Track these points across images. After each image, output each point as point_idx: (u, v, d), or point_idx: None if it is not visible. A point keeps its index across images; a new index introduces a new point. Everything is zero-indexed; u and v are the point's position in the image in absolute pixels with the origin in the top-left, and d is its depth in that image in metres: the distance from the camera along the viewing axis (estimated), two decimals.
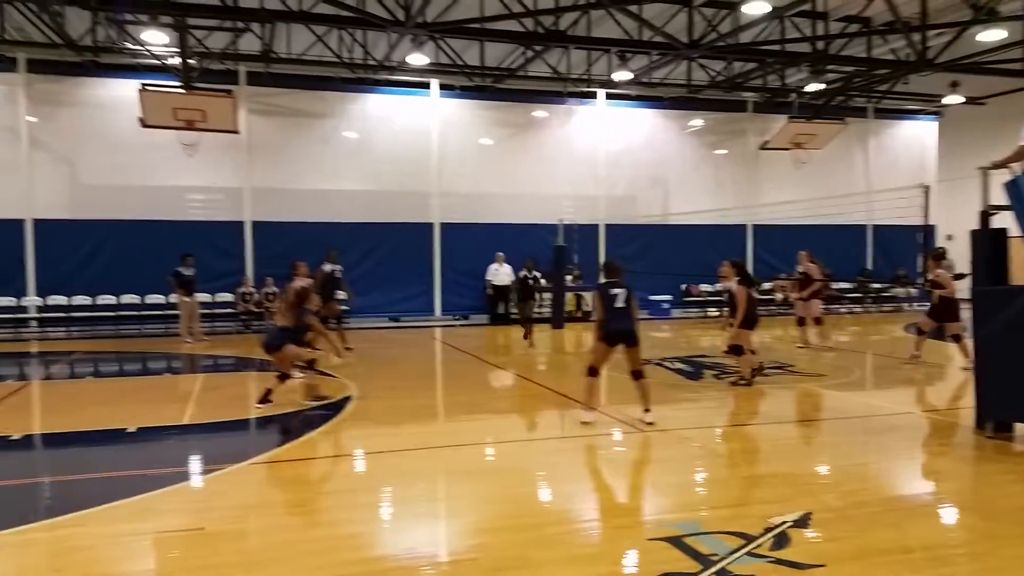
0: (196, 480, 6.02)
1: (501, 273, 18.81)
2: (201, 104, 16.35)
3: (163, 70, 16.87)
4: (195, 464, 6.54)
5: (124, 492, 5.41)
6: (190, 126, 16.61)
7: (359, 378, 10.53)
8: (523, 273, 14.79)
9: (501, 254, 18.91)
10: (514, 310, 14.69)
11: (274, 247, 18.34)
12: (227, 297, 17.93)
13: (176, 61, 16.42)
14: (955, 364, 11.27)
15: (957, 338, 10.99)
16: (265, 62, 17.41)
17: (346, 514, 5.11)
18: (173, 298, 15.77)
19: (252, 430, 8.04)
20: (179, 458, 6.66)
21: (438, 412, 9.07)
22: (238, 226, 18.55)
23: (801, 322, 13.76)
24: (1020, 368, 6.51)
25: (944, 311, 11.13)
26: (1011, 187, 6.83)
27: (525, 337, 14.33)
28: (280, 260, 18.15)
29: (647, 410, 7.66)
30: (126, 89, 16.82)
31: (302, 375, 8.75)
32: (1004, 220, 7.09)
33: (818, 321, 13.67)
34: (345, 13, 14.27)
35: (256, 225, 18.60)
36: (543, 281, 15.99)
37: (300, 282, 10.47)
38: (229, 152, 18.27)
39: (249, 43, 16.75)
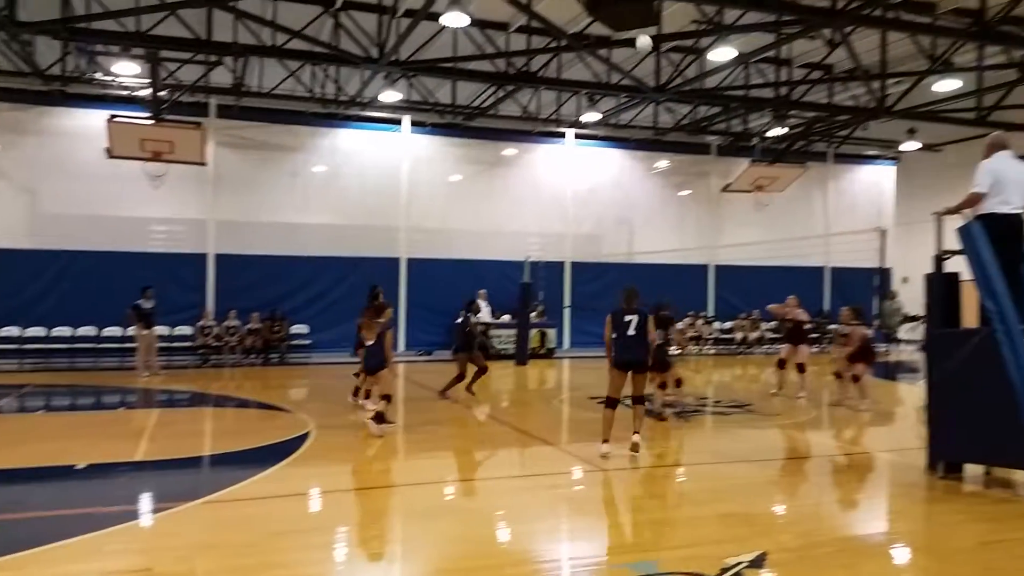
0: (146, 519, 5.86)
1: (481, 311, 18.83)
2: (169, 136, 16.22)
3: (132, 101, 16.78)
4: (145, 502, 6.37)
5: (69, 531, 5.26)
6: (157, 157, 16.44)
7: (318, 414, 10.38)
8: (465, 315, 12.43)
9: (483, 291, 18.91)
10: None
11: (237, 280, 18.18)
12: (186, 330, 17.64)
13: (146, 93, 16.33)
14: (906, 406, 11.44)
15: (857, 379, 11.18)
16: (236, 95, 17.39)
17: (300, 555, 5.00)
18: (131, 331, 15.47)
19: (206, 467, 7.88)
20: (129, 496, 6.48)
21: (398, 449, 8.96)
22: (201, 258, 18.35)
23: (781, 364, 12.84)
24: (971, 410, 6.64)
25: (862, 354, 11.28)
26: (963, 232, 7.02)
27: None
28: (243, 293, 18.06)
29: (636, 432, 7.92)
30: (93, 119, 16.65)
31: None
32: (957, 264, 7.27)
33: (801, 368, 12.49)
34: (319, 49, 14.34)
35: (219, 258, 18.42)
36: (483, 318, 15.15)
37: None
38: (195, 184, 18.14)
39: (221, 76, 16.75)
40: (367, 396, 10.75)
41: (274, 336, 17.81)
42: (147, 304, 14.99)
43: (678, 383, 10.80)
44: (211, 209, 18.40)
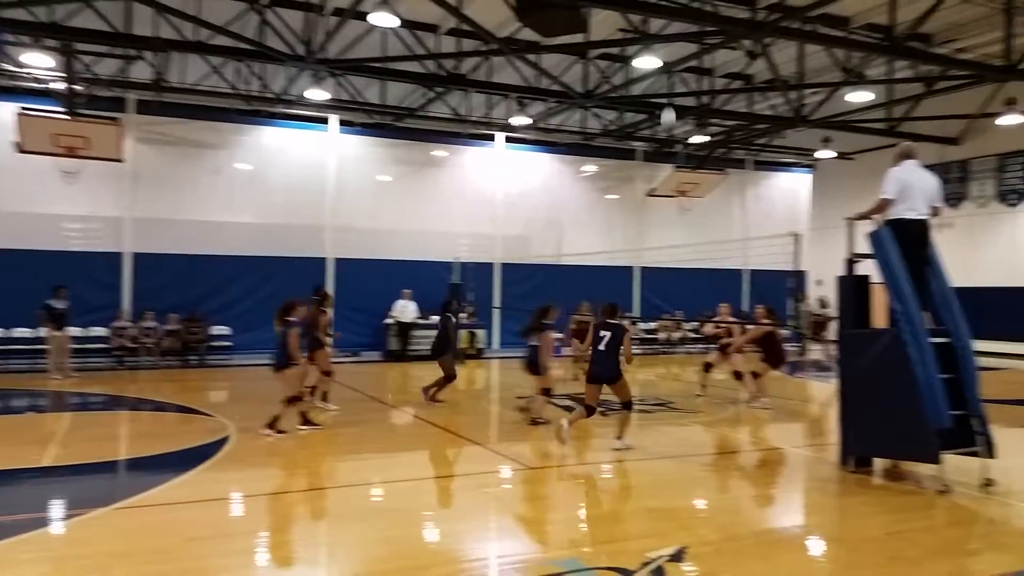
0: (56, 527, 5.64)
1: (408, 310, 18.66)
2: (85, 131, 15.61)
3: (45, 94, 16.06)
4: (56, 509, 6.13)
5: None
6: (71, 153, 15.81)
7: (238, 417, 10.14)
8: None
9: (408, 291, 18.78)
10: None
11: (155, 280, 17.60)
12: (101, 331, 16.98)
13: (60, 86, 15.66)
14: (817, 403, 11.88)
15: (757, 375, 11.51)
16: (156, 91, 16.82)
17: (220, 561, 4.89)
18: (42, 332, 14.81)
19: (121, 472, 7.62)
20: (38, 503, 6.22)
21: (323, 452, 8.84)
22: (117, 257, 17.69)
23: (707, 367, 12.84)
24: (879, 407, 6.95)
25: (770, 352, 11.47)
26: (873, 237, 7.35)
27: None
28: (161, 293, 17.48)
29: (619, 437, 8.36)
30: (2, 111, 15.91)
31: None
32: (868, 267, 7.60)
33: (737, 375, 12.28)
34: (244, 46, 14.02)
35: (137, 256, 17.79)
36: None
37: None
38: (111, 181, 17.48)
39: (140, 71, 16.19)
40: (323, 397, 10.91)
41: (193, 337, 17.30)
42: (59, 304, 14.38)
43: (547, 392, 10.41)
44: (128, 207, 17.76)
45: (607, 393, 8.45)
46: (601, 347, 8.30)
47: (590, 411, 8.43)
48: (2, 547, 4.96)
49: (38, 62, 14.91)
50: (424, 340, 18.73)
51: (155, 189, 18.01)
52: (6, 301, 15.90)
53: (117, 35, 13.55)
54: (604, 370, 8.32)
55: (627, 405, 8.41)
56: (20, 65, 15.36)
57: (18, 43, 14.81)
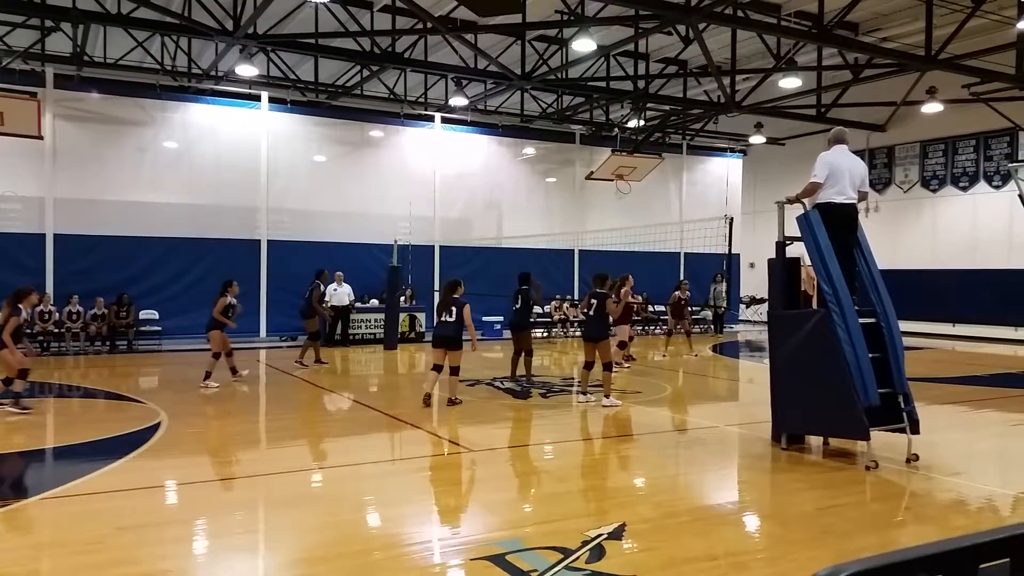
0: None
1: (340, 293, 18.36)
2: None
3: None
4: None
5: None
6: None
7: (169, 403, 9.87)
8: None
9: (340, 274, 18.47)
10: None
11: (80, 262, 16.95)
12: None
13: None
14: (755, 383, 12.19)
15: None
16: (76, 65, 16.11)
17: (153, 550, 4.76)
18: None
19: (47, 461, 7.34)
20: None
21: (259, 438, 8.69)
22: (39, 238, 16.96)
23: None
24: (809, 385, 7.16)
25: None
26: (802, 220, 7.53)
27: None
28: (86, 276, 16.84)
29: (607, 396, 9.81)
30: None
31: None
32: (797, 250, 7.80)
33: (622, 345, 13.77)
34: (169, 19, 13.54)
35: (59, 238, 17.07)
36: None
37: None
38: (31, 159, 16.72)
39: (59, 44, 15.46)
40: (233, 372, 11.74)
41: (120, 322, 16.75)
42: None
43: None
44: (49, 186, 17.02)
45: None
46: (591, 312, 9.92)
47: (589, 366, 10.03)
48: None
49: None
50: (364, 323, 18.59)
51: (78, 168, 17.30)
52: None
53: (31, 5, 12.92)
54: (594, 331, 9.92)
55: (607, 366, 9.85)
56: None
57: None
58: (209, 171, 18.55)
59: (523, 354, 12.18)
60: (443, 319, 9.84)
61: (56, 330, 16.15)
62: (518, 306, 12.36)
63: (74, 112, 17.38)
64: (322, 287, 14.79)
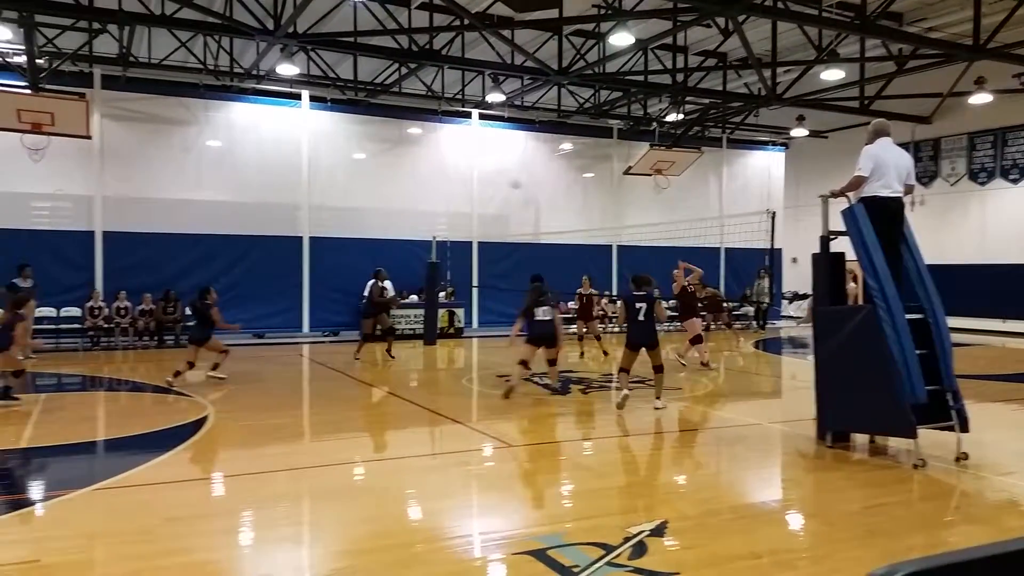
0: (33, 508, 5.56)
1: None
2: (50, 106, 15.26)
3: (6, 68, 15.64)
4: (33, 491, 6.06)
5: None
6: (36, 129, 15.45)
7: (217, 398, 10.08)
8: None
9: (383, 270, 18.63)
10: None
11: (128, 259, 17.33)
12: (75, 311, 16.73)
13: (22, 60, 15.26)
14: (799, 380, 12.04)
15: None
16: (123, 66, 16.47)
17: (200, 541, 4.86)
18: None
19: (99, 453, 7.53)
20: (14, 485, 6.15)
21: (303, 432, 8.81)
22: (88, 236, 17.39)
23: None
24: (855, 382, 7.05)
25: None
26: (847, 214, 7.40)
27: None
28: (134, 273, 17.22)
29: (658, 397, 9.21)
30: None
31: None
32: (842, 245, 7.67)
33: (696, 340, 13.31)
34: (211, 19, 13.74)
35: (107, 236, 17.48)
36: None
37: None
38: (80, 158, 17.14)
39: (106, 45, 15.81)
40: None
41: (168, 317, 17.11)
42: (24, 283, 14.13)
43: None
44: (98, 184, 17.43)
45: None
46: (641, 316, 9.05)
47: (624, 371, 9.29)
48: None
49: None
50: (404, 319, 18.72)
51: (125, 167, 17.69)
52: None
53: (79, 7, 13.20)
54: (646, 337, 9.11)
55: (659, 369, 9.23)
56: None
57: None
58: (251, 169, 18.83)
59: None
60: (539, 318, 9.73)
61: (105, 325, 16.55)
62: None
63: (121, 112, 17.77)
64: (379, 284, 14.75)
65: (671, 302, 14.82)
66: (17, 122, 15.18)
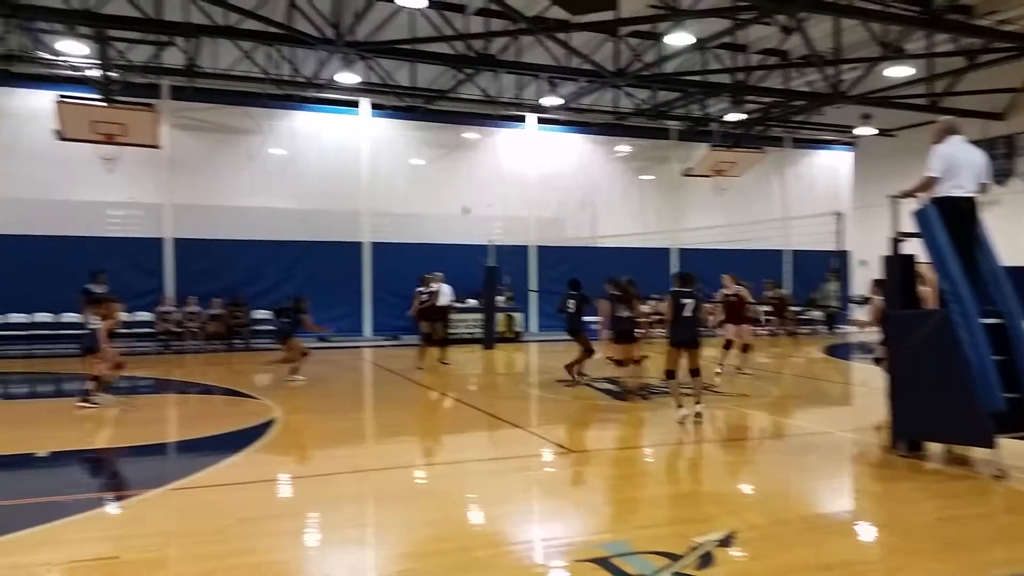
0: (111, 507, 5.76)
1: (440, 294, 18.64)
2: (121, 118, 15.84)
3: (81, 81, 16.31)
4: (110, 490, 6.27)
5: (33, 520, 5.14)
6: (109, 140, 16.05)
7: (283, 400, 10.29)
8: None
9: (440, 274, 18.77)
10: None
11: (196, 264, 17.87)
12: (146, 316, 17.29)
13: (96, 73, 15.88)
14: (870, 387, 11.67)
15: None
16: (189, 76, 17.00)
17: (269, 541, 4.96)
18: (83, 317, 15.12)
19: (171, 454, 7.76)
20: (93, 484, 6.40)
21: (366, 434, 8.94)
22: (158, 243, 17.98)
23: (728, 345, 13.22)
24: (930, 389, 6.80)
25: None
26: (919, 216, 7.17)
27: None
28: (203, 278, 17.74)
29: (698, 402, 8.68)
30: (41, 100, 16.18)
31: None
32: (914, 247, 7.43)
33: (746, 348, 13.09)
34: (273, 30, 14.07)
35: (177, 242, 18.06)
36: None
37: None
38: (150, 167, 17.74)
39: (173, 57, 16.34)
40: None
41: (236, 322, 17.57)
42: (98, 289, 14.62)
43: (638, 361, 10.97)
44: (167, 193, 18.03)
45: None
46: (688, 313, 8.68)
47: (672, 375, 8.83)
48: (61, 526, 5.08)
49: (73, 50, 15.13)
50: (462, 323, 18.84)
51: (192, 175, 18.26)
52: (53, 287, 16.23)
53: (148, 21, 13.67)
54: (691, 335, 8.74)
55: (696, 372, 8.81)
56: (56, 53, 15.60)
57: (53, 31, 15.02)
58: (313, 176, 19.23)
59: (584, 353, 12.10)
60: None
61: (176, 329, 17.07)
62: (571, 310, 12.09)
63: (188, 122, 18.33)
64: (421, 288, 14.82)
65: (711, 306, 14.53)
66: (92, 133, 15.78)
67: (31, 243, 16.76)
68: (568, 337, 12.25)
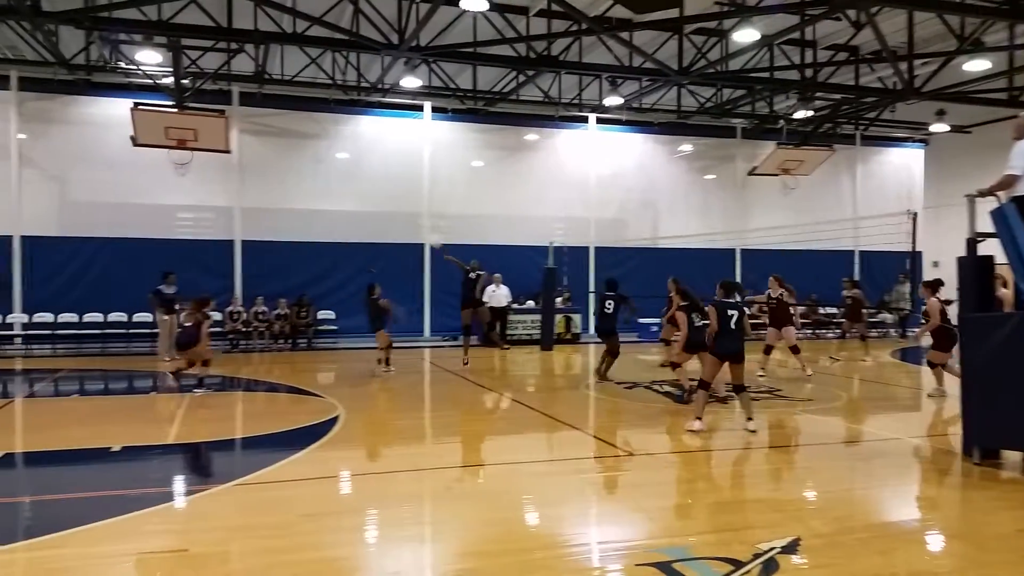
0: (180, 501, 5.95)
1: (498, 294, 18.75)
2: (193, 123, 16.37)
3: (156, 89, 16.93)
4: (180, 484, 6.47)
5: (106, 512, 5.34)
6: (181, 145, 16.62)
7: (346, 398, 10.46)
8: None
9: (498, 275, 18.87)
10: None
11: (263, 266, 18.35)
12: (215, 316, 17.77)
13: (169, 81, 16.46)
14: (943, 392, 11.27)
15: (932, 364, 10.90)
16: (258, 83, 17.48)
17: (331, 537, 5.05)
18: (154, 316, 15.68)
19: (238, 450, 7.97)
20: (163, 478, 6.59)
21: (426, 433, 9.02)
22: (228, 245, 18.52)
23: (768, 350, 13.09)
24: (1007, 395, 6.53)
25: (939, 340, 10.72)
26: (997, 215, 6.89)
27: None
28: (270, 279, 18.20)
29: (750, 419, 8.28)
30: (118, 107, 16.83)
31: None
32: (991, 247, 7.14)
33: (795, 349, 12.98)
34: (339, 36, 14.35)
35: (246, 244, 18.57)
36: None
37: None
38: (220, 171, 18.29)
39: (242, 64, 16.82)
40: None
41: (301, 322, 17.97)
42: (168, 289, 15.14)
43: (673, 366, 10.85)
44: (237, 196, 18.55)
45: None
46: (732, 325, 8.26)
47: (706, 386, 8.47)
48: (131, 519, 5.26)
49: (149, 59, 15.71)
50: (520, 324, 18.87)
51: (261, 179, 18.75)
52: (127, 288, 16.89)
53: (219, 29, 14.09)
54: (736, 347, 8.28)
55: (741, 388, 8.39)
56: (133, 63, 16.21)
57: (131, 42, 15.61)
58: (377, 179, 19.53)
59: (610, 355, 12.33)
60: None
61: (244, 329, 17.55)
62: (609, 311, 12.31)
63: (257, 127, 18.83)
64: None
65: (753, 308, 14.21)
66: (165, 139, 16.36)
67: (106, 245, 17.48)
68: (599, 339, 12.60)
